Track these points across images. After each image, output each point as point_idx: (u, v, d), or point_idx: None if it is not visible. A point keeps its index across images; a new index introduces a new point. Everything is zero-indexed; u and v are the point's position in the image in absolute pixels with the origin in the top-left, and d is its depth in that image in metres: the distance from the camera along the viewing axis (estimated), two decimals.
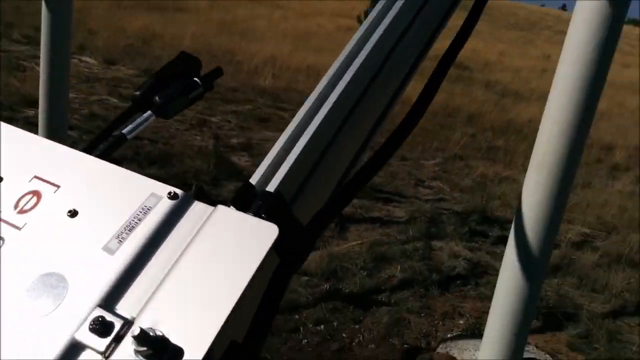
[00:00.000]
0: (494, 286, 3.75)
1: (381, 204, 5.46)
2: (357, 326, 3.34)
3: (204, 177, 4.94)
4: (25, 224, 0.46)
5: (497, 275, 4.08)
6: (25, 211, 0.47)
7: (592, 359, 3.39)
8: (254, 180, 0.52)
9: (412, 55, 0.75)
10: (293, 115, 0.60)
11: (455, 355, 3.10)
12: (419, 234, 4.62)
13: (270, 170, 0.53)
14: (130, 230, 0.45)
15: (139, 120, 0.66)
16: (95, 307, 0.41)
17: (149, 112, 0.67)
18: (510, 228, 5.51)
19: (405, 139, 0.64)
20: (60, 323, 0.41)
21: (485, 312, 3.64)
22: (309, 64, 13.29)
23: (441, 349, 3.18)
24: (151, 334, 0.39)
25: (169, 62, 0.70)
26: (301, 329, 3.22)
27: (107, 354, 0.39)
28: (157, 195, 0.47)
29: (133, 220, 0.45)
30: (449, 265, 4.21)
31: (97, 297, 0.42)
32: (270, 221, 0.47)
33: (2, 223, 0.46)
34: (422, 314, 3.58)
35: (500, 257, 4.63)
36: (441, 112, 11.22)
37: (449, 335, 3.37)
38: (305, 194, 0.57)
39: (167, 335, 0.39)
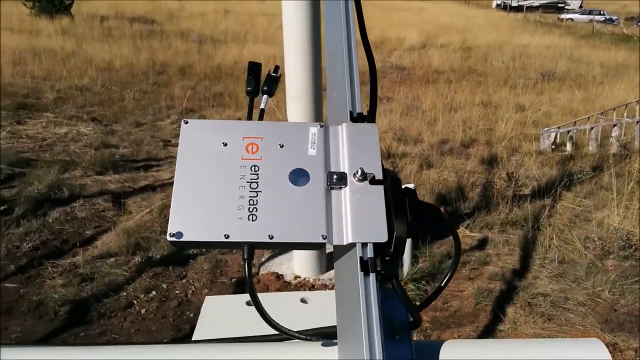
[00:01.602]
0: None
1: (143, 172, 5.56)
2: (183, 280, 3.60)
3: None
4: (261, 156, 0.77)
5: None
6: (255, 152, 0.77)
7: None
8: (349, 108, 0.88)
9: None
10: None
11: (276, 271, 3.66)
12: None
13: (344, 101, 0.90)
14: (314, 142, 0.80)
15: (264, 102, 0.96)
16: (327, 172, 0.76)
17: (266, 96, 0.97)
18: None
19: None
20: (317, 184, 0.75)
21: None
22: None
23: (264, 271, 3.70)
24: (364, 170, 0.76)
25: (248, 69, 1.00)
26: (135, 302, 3.35)
27: (345, 185, 0.76)
28: (316, 127, 0.81)
29: (312, 139, 0.80)
30: None
31: (324, 168, 0.77)
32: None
33: (250, 161, 0.76)
34: (236, 252, 4.02)
35: None
36: (151, 70, 11.24)
37: (263, 259, 3.90)
38: None
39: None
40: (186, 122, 0.81)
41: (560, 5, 44.38)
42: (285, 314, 0.91)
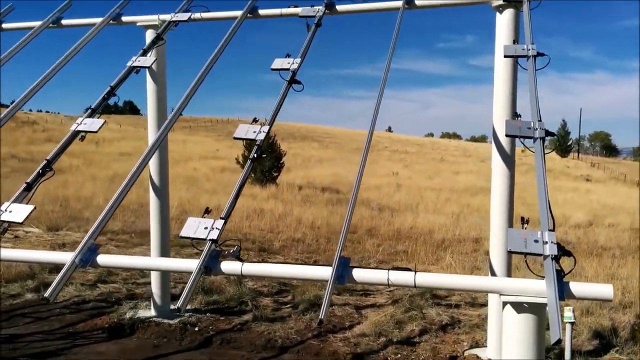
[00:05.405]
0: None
1: (364, 297, 8.09)
2: (414, 350, 5.84)
3: None
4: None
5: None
6: None
7: None
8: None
9: None
10: None
11: (479, 355, 5.74)
12: (408, 306, 7.29)
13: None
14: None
15: None
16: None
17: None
18: (455, 306, 8.31)
19: None
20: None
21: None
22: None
23: (468, 354, 5.82)
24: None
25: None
26: (388, 358, 5.64)
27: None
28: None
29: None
30: (438, 320, 6.92)
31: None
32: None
33: None
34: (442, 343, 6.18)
35: (462, 314, 7.47)
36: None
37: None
38: None
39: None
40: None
41: None
42: None
